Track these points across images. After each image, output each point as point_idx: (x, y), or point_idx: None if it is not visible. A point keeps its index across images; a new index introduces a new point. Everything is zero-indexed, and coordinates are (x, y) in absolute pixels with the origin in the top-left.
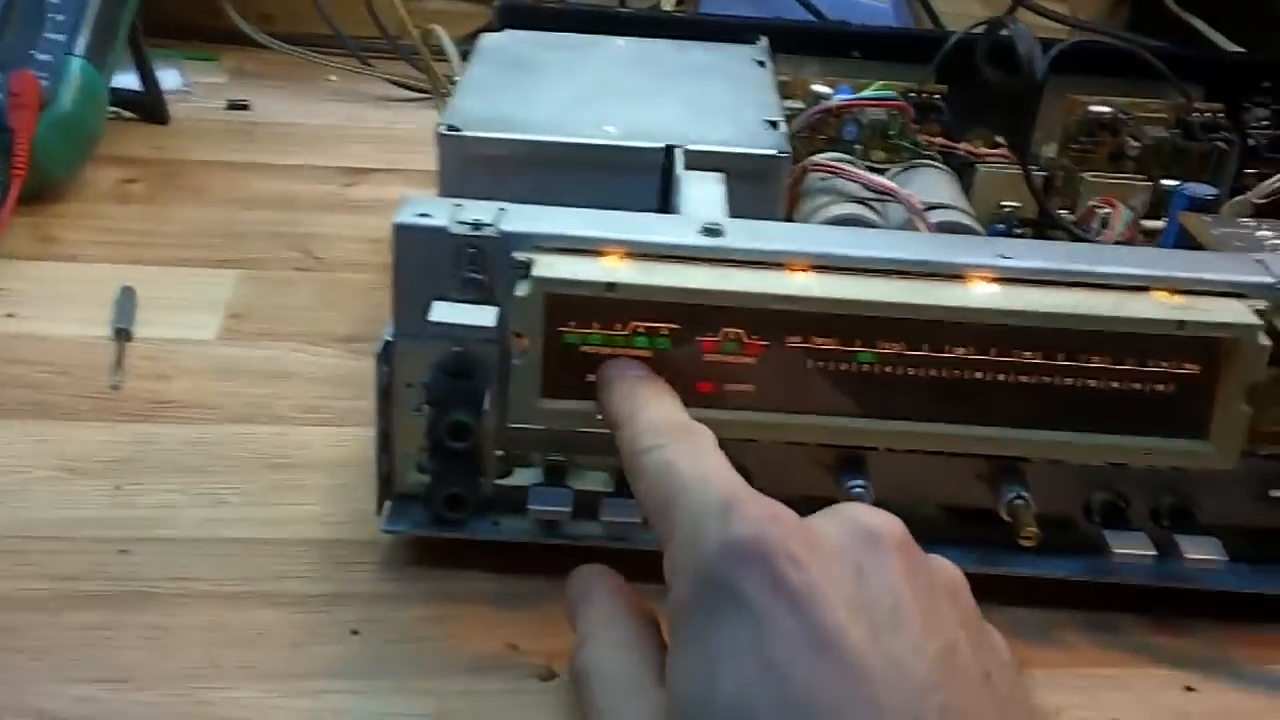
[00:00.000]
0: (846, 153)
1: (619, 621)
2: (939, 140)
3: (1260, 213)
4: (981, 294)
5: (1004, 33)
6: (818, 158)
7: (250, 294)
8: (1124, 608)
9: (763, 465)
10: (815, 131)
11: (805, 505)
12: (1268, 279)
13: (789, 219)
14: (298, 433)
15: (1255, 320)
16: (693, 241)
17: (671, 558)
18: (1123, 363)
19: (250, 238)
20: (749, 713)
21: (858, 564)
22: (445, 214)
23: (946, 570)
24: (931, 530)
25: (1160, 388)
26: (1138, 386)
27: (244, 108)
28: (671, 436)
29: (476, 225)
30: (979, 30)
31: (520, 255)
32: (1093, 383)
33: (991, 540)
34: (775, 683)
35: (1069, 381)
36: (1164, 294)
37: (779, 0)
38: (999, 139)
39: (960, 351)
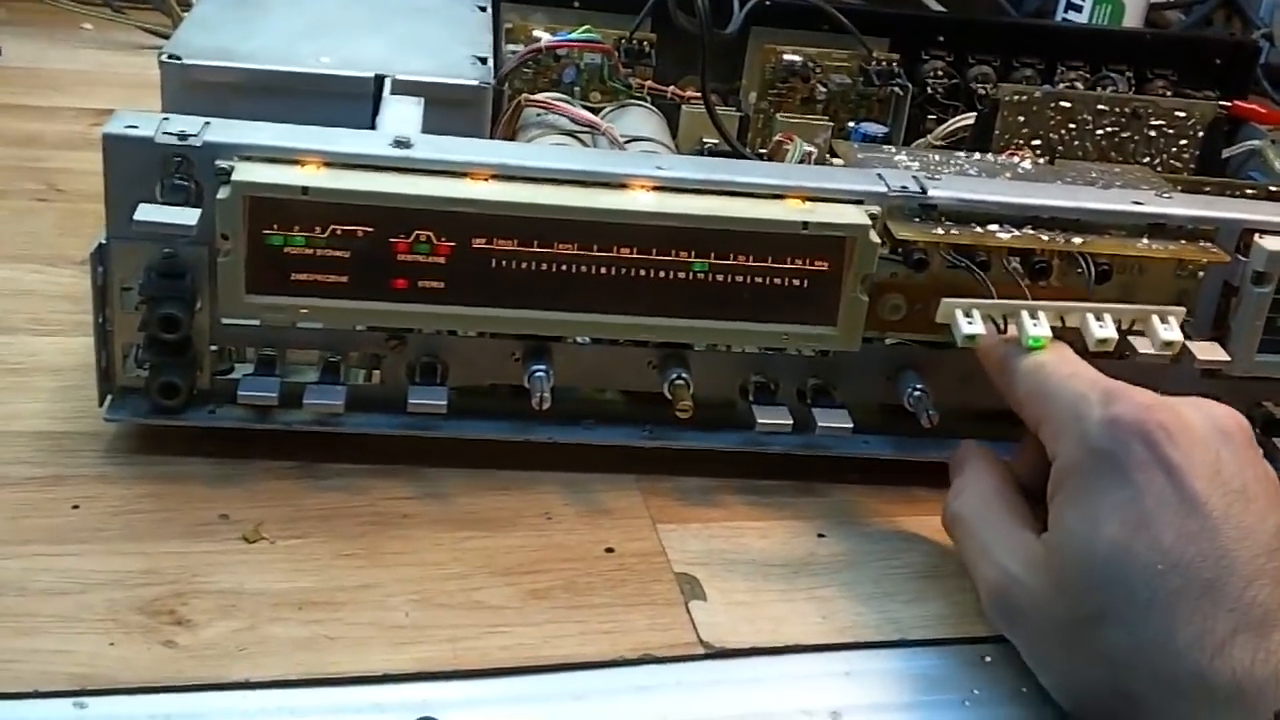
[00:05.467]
0: (566, 94)
1: (990, 479)
2: (649, 84)
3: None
4: (639, 200)
5: None
6: (534, 95)
7: None
8: (776, 475)
9: (456, 357)
10: (540, 75)
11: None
12: (881, 188)
13: None
14: (28, 342)
15: (867, 221)
16: (382, 152)
17: (1055, 434)
18: (764, 260)
19: None
20: (1126, 556)
21: (1217, 449)
22: (153, 126)
23: (1274, 468)
24: (612, 411)
25: (797, 282)
26: (779, 281)
27: None
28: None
29: (182, 136)
30: None
31: (223, 162)
32: (740, 278)
33: (664, 420)
34: (1149, 532)
35: (720, 277)
36: (795, 200)
37: None
38: None
39: (626, 251)
